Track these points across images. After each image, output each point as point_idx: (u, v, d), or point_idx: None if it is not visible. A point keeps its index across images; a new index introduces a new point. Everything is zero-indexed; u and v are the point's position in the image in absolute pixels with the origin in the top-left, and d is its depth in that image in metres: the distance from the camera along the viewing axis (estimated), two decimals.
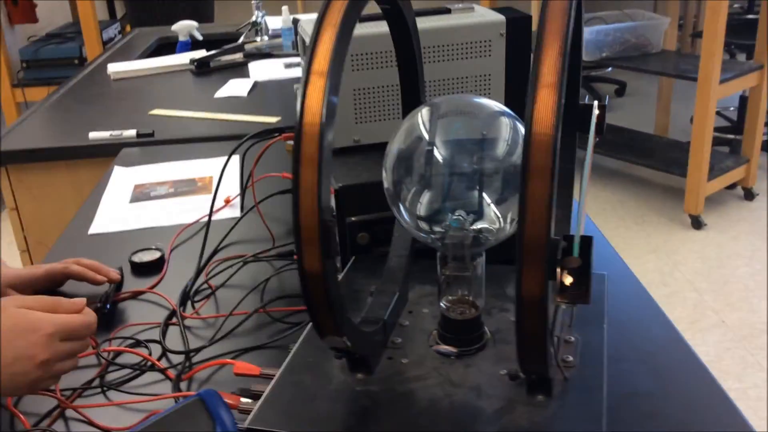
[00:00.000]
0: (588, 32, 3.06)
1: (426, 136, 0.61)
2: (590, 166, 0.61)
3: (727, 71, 2.71)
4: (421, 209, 0.63)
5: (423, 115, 0.63)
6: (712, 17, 2.54)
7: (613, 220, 2.99)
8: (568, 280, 0.46)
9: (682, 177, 2.85)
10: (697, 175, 2.75)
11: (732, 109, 3.60)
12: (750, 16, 4.36)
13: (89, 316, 0.70)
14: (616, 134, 3.41)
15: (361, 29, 0.91)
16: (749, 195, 3.02)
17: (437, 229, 0.64)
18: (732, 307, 2.34)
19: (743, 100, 3.17)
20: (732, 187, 3.04)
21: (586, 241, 0.47)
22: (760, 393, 1.95)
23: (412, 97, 0.74)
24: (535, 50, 0.47)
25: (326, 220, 0.51)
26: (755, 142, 2.93)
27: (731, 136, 3.37)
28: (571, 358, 0.65)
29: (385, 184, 0.63)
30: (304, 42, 0.97)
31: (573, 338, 0.68)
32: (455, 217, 0.62)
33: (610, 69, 4.14)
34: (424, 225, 0.64)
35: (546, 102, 0.46)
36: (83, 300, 0.72)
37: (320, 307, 0.54)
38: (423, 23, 0.93)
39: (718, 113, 3.39)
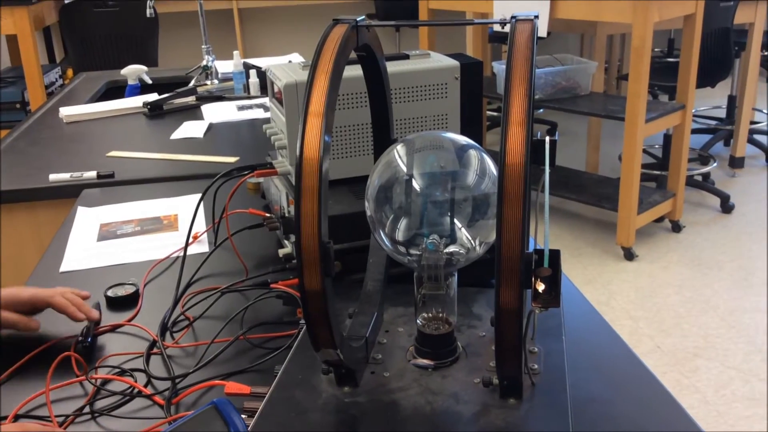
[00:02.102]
0: None
1: (403, 168, 0.69)
2: (547, 192, 0.70)
3: (651, 111, 2.89)
4: (400, 234, 0.70)
5: (399, 150, 0.70)
6: (636, 61, 2.73)
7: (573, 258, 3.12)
8: (541, 287, 0.54)
9: (613, 211, 3.01)
10: (627, 209, 2.91)
11: (657, 146, 3.82)
12: (670, 59, 4.66)
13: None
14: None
15: None
16: (677, 227, 3.20)
17: (414, 251, 0.70)
18: (666, 333, 2.47)
19: (667, 138, 3.37)
20: (660, 220, 3.22)
21: (555, 254, 0.55)
22: (695, 413, 2.07)
23: (383, 134, 0.81)
24: (504, 93, 0.55)
25: (325, 243, 0.57)
26: (680, 177, 3.12)
27: (657, 172, 3.57)
28: (536, 366, 0.72)
29: (368, 213, 0.70)
30: (273, 85, 1.04)
31: (537, 349, 0.75)
32: (430, 241, 0.69)
33: (541, 110, 4.34)
34: (402, 248, 0.70)
35: (516, 137, 0.54)
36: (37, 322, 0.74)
37: (319, 322, 0.60)
38: (400, 66, 1.02)
39: (644, 151, 3.60)
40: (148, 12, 2.28)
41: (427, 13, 3.55)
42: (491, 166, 0.69)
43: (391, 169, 0.69)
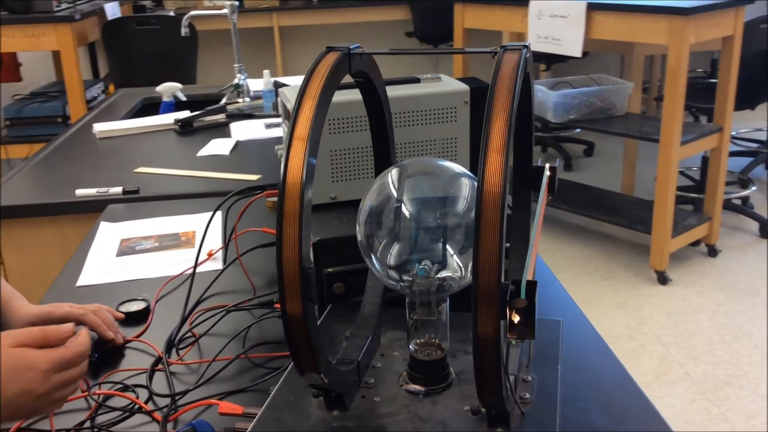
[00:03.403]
0: (555, 96, 3.20)
1: (395, 194, 0.69)
2: (541, 220, 0.69)
3: (688, 133, 2.84)
4: (391, 259, 0.70)
5: (392, 175, 0.70)
6: (672, 82, 2.69)
7: (581, 275, 3.08)
8: (516, 318, 0.53)
9: (647, 234, 2.96)
10: (661, 232, 2.86)
11: (695, 169, 3.75)
12: (712, 80, 4.57)
13: (80, 345, 0.76)
14: (583, 192, 3.53)
15: (338, 96, 0.99)
16: (712, 252, 3.13)
17: (406, 277, 0.70)
18: (697, 360, 2.41)
19: (705, 160, 3.31)
20: (696, 243, 3.15)
21: (532, 285, 0.54)
22: None
23: (383, 157, 0.82)
24: (485, 121, 0.55)
25: (306, 268, 0.58)
26: (717, 201, 3.05)
27: (694, 195, 3.50)
28: (528, 395, 0.72)
29: (359, 237, 0.70)
30: (285, 107, 1.06)
31: (530, 378, 0.75)
32: (422, 267, 0.69)
33: (578, 130, 4.30)
34: (393, 274, 0.70)
35: (494, 165, 0.54)
36: (70, 326, 0.77)
37: (301, 347, 0.61)
38: (395, 91, 1.02)
39: (681, 173, 3.54)
40: (183, 31, 2.33)
41: (461, 32, 3.56)
42: None
43: (382, 194, 0.70)
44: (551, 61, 4.35)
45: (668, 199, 2.81)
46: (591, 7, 2.89)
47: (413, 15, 5.15)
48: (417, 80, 1.05)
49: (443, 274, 0.70)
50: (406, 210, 0.69)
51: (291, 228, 0.57)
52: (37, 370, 0.71)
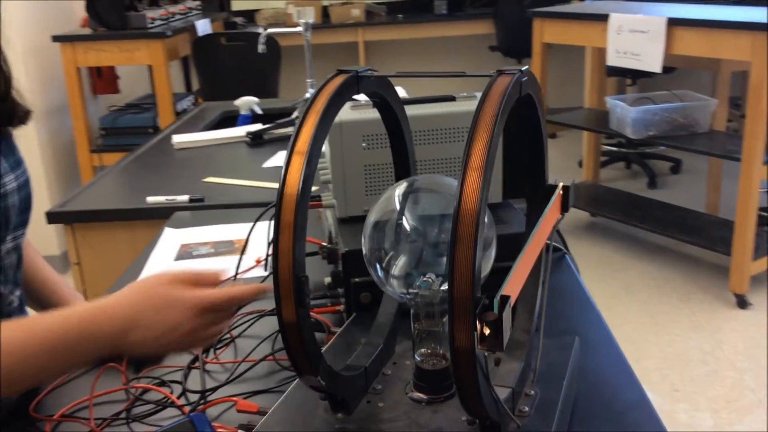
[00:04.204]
0: (635, 111, 3.14)
1: (398, 208, 0.72)
2: (541, 238, 0.71)
3: None
4: (395, 272, 0.73)
5: (399, 190, 0.74)
6: (754, 99, 2.59)
7: (657, 296, 3.00)
8: (486, 331, 0.56)
9: (728, 255, 2.85)
10: (741, 253, 2.75)
11: None
12: None
13: (230, 290, 0.84)
14: (664, 211, 3.44)
15: (373, 114, 1.03)
16: None
17: (410, 289, 0.73)
18: None
19: None
20: None
21: (504, 299, 0.56)
22: None
23: (402, 175, 0.85)
24: (468, 139, 0.58)
25: (299, 276, 0.62)
26: None
27: None
28: (527, 409, 0.73)
29: (364, 250, 0.74)
30: None
31: (533, 392, 0.76)
32: (424, 280, 0.72)
33: (662, 147, 4.18)
34: (398, 286, 0.74)
35: (473, 183, 0.56)
36: (221, 273, 0.87)
37: (296, 350, 0.65)
38: (430, 109, 1.06)
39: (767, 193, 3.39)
40: (260, 48, 2.43)
41: (540, 47, 3.54)
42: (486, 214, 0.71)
43: (387, 209, 0.73)
44: (637, 75, 4.25)
45: (749, 219, 2.70)
46: (672, 23, 2.82)
47: (497, 29, 5.15)
48: (452, 98, 1.08)
49: (446, 286, 0.72)
50: (408, 225, 0.72)
51: (287, 238, 0.62)
52: (185, 307, 0.80)
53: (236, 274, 1.12)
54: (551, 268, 1.19)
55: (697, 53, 2.83)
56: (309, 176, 0.63)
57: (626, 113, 3.19)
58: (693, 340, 2.63)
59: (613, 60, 3.15)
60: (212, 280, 0.87)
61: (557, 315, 1.04)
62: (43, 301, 1.11)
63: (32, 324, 0.80)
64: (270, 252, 1.21)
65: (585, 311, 1.07)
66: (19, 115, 0.98)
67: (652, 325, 2.82)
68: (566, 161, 4.77)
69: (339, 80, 0.70)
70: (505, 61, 5.23)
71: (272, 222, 1.19)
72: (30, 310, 1.09)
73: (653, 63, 2.93)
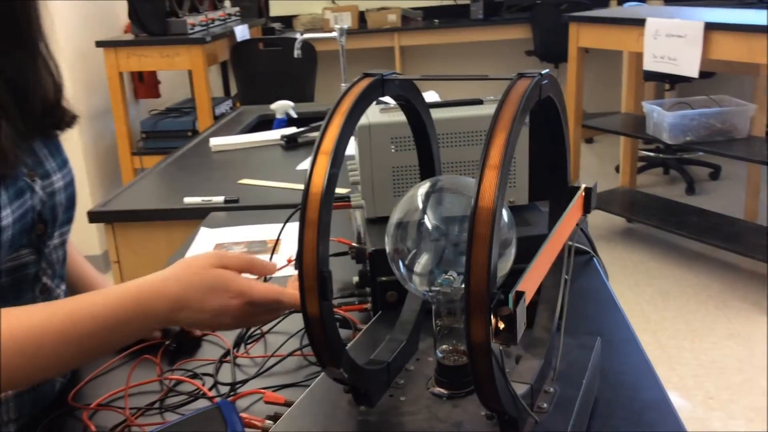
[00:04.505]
0: (671, 116, 3.11)
1: (420, 207, 0.74)
2: (560, 238, 0.72)
3: None
4: (417, 269, 0.75)
5: (422, 189, 0.76)
6: None
7: (694, 303, 2.96)
8: (501, 325, 0.57)
9: (765, 263, 2.81)
10: None
11: None
12: None
13: (277, 291, 0.88)
14: (702, 217, 3.40)
15: (402, 117, 1.06)
16: None
17: (431, 287, 0.75)
18: None
19: None
20: None
21: (518, 295, 0.58)
22: None
23: (427, 174, 0.87)
24: (486, 137, 0.60)
25: (323, 271, 0.64)
26: None
27: None
28: (545, 405, 0.75)
29: (387, 248, 0.76)
30: None
31: (552, 389, 0.77)
32: (445, 278, 0.74)
33: (701, 153, 4.13)
34: (420, 283, 0.76)
35: (490, 181, 0.58)
36: (274, 265, 0.92)
37: (319, 342, 0.67)
38: (455, 112, 1.07)
39: None
40: (296, 53, 2.48)
41: (576, 51, 3.53)
42: (505, 214, 0.73)
43: (410, 208, 0.75)
44: (675, 80, 4.21)
45: None
46: (709, 27, 2.80)
47: (534, 34, 5.14)
48: (480, 102, 1.10)
49: None
50: (430, 224, 0.74)
51: (311, 235, 0.64)
52: (229, 295, 0.84)
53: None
54: (578, 271, 1.21)
55: (735, 58, 2.80)
56: (333, 176, 0.66)
57: (663, 118, 3.16)
58: (728, 348, 2.59)
59: (650, 65, 3.13)
60: (263, 269, 0.90)
61: (582, 316, 1.05)
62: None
63: (85, 303, 0.84)
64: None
65: (610, 313, 1.08)
66: (66, 120, 1.03)
67: (688, 332, 2.79)
68: (603, 166, 4.73)
69: (364, 83, 0.72)
70: (542, 65, 5.22)
71: None
72: None
73: (690, 68, 2.90)
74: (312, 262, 0.64)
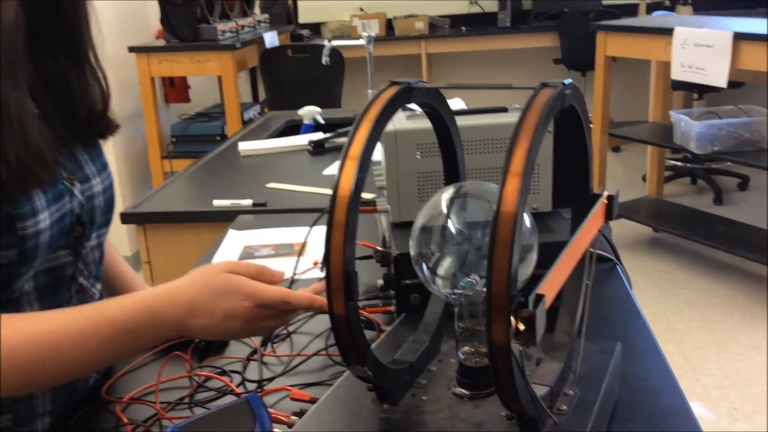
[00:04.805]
0: (698, 126, 3.10)
1: (444, 212, 0.76)
2: (581, 244, 0.74)
3: None
4: (440, 272, 0.77)
5: (446, 194, 0.78)
6: None
7: (720, 314, 2.94)
8: (521, 326, 0.59)
9: None
10: None
11: None
12: None
13: (286, 292, 0.89)
14: (729, 227, 3.37)
15: (428, 123, 1.08)
16: None
17: (454, 289, 0.78)
18: None
19: None
20: None
21: (538, 297, 0.60)
22: None
23: (452, 180, 0.89)
24: (509, 146, 0.62)
25: (349, 271, 0.67)
26: None
27: None
28: (565, 407, 0.76)
29: (411, 251, 0.78)
30: None
31: (572, 392, 0.79)
32: (468, 281, 0.76)
33: (728, 163, 4.09)
34: (443, 285, 0.78)
35: (512, 187, 0.60)
36: (282, 273, 0.93)
37: (345, 341, 0.70)
38: (480, 120, 1.10)
39: None
40: (324, 60, 2.51)
41: (603, 60, 3.53)
42: (527, 220, 0.75)
43: (434, 212, 0.77)
44: (703, 90, 4.19)
45: None
46: (738, 37, 2.78)
47: (561, 42, 5.14)
48: (504, 110, 1.11)
49: None
50: (453, 228, 0.76)
51: (338, 236, 0.67)
52: (240, 298, 0.86)
53: (294, 274, 1.18)
54: (600, 278, 1.22)
55: (764, 68, 2.78)
56: (361, 180, 0.68)
57: (690, 128, 3.15)
58: (754, 359, 2.57)
59: (677, 74, 3.12)
60: (272, 277, 0.92)
61: (603, 322, 1.06)
62: (117, 292, 1.19)
63: (102, 310, 0.86)
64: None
65: (632, 320, 1.09)
66: (110, 129, 1.07)
67: (713, 342, 2.78)
68: (630, 175, 4.71)
69: (391, 91, 0.75)
70: (569, 74, 5.22)
71: None
72: None
73: (719, 77, 2.89)
74: (339, 263, 0.67)
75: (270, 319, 0.90)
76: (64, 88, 0.99)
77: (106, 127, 1.06)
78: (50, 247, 0.93)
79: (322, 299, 0.94)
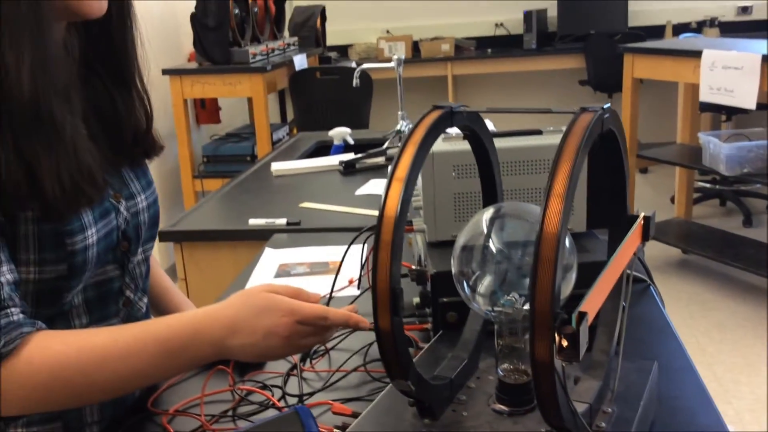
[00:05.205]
0: (728, 148, 3.10)
1: (485, 231, 0.79)
2: (621, 264, 0.76)
3: None
4: (481, 290, 0.79)
5: (486, 215, 0.80)
6: None
7: (750, 337, 2.92)
8: (564, 343, 0.61)
9: None
10: None
11: None
12: None
13: (323, 309, 0.92)
14: (758, 249, 3.35)
15: (465, 146, 1.11)
16: None
17: (494, 307, 0.80)
18: None
19: None
20: None
21: (581, 315, 0.62)
22: None
23: (490, 202, 0.92)
24: (551, 169, 0.64)
25: (395, 288, 0.69)
26: None
27: None
28: (603, 425, 0.78)
29: (453, 270, 0.81)
30: None
31: (610, 410, 0.80)
32: (507, 299, 0.78)
33: (758, 185, 4.07)
34: (483, 303, 0.80)
35: (555, 208, 0.63)
36: (318, 295, 0.96)
37: (390, 355, 0.72)
38: (518, 142, 1.12)
39: None
40: (355, 82, 2.55)
41: (630, 82, 3.54)
42: (567, 240, 0.77)
43: (475, 232, 0.80)
44: (731, 112, 4.17)
45: None
46: (766, 59, 2.78)
47: (587, 64, 5.15)
48: (539, 132, 1.14)
49: (529, 305, 0.78)
50: (494, 247, 0.78)
51: (385, 255, 0.69)
52: (280, 314, 0.88)
53: (331, 291, 1.20)
54: (634, 299, 1.23)
55: None
56: (406, 201, 0.71)
57: (719, 149, 3.14)
58: None
59: (706, 96, 3.12)
60: (309, 298, 0.95)
61: (638, 342, 1.07)
62: (161, 308, 1.23)
63: (148, 328, 0.90)
64: (363, 273, 1.30)
65: (666, 340, 1.10)
66: (155, 149, 1.11)
67: (745, 365, 2.75)
68: (658, 197, 4.69)
69: (435, 115, 0.77)
70: (595, 96, 5.22)
71: (365, 245, 1.27)
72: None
73: (747, 100, 2.89)
74: (385, 280, 0.69)
75: (309, 336, 0.92)
76: (111, 112, 1.03)
77: (151, 147, 1.10)
78: (98, 262, 0.97)
79: (358, 317, 0.97)
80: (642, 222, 0.84)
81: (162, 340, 0.87)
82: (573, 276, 0.79)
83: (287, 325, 0.89)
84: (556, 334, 0.61)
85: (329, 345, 1.13)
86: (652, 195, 4.79)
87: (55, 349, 0.83)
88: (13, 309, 0.83)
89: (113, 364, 0.85)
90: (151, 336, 0.88)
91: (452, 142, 1.14)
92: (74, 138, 0.91)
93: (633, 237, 0.82)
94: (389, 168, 0.73)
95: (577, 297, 0.69)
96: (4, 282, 0.84)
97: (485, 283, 0.80)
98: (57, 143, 0.88)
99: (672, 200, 4.25)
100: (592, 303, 0.67)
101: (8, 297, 0.83)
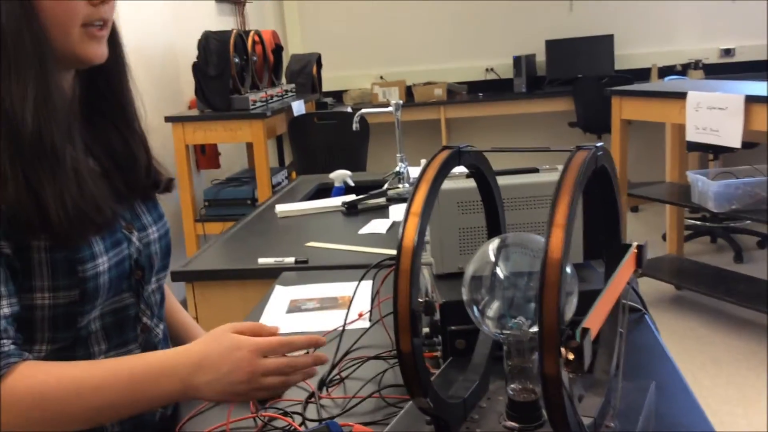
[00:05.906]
0: (716, 185, 3.19)
1: (492, 260, 0.86)
2: (615, 290, 0.83)
3: None
4: (490, 314, 0.87)
5: (493, 245, 0.88)
6: None
7: (745, 370, 2.98)
8: (570, 356, 0.68)
9: None
10: None
11: None
12: None
13: (287, 338, 0.99)
14: (750, 284, 3.42)
15: (468, 183, 1.19)
16: None
17: (503, 330, 0.87)
18: None
19: None
20: None
21: (584, 331, 0.69)
22: None
23: (495, 233, 0.99)
24: (552, 202, 0.72)
25: (414, 311, 0.76)
26: None
27: None
28: None
29: (464, 297, 0.88)
30: None
31: (612, 425, 0.87)
32: (514, 322, 0.85)
33: (748, 222, 4.17)
34: (492, 326, 0.87)
35: (557, 237, 0.70)
36: (277, 328, 1.03)
37: (410, 375, 0.79)
38: (515, 179, 1.20)
39: None
40: (354, 126, 2.65)
41: (619, 123, 3.65)
42: (568, 267, 0.84)
43: (483, 261, 0.87)
44: (718, 150, 4.29)
45: None
46: (750, 100, 2.90)
47: (576, 106, 5.29)
48: (536, 170, 1.22)
49: (534, 328, 0.85)
50: (501, 274, 0.86)
51: (404, 282, 0.77)
52: (245, 351, 0.95)
53: (344, 324, 1.27)
54: (631, 326, 1.30)
55: None
56: (422, 233, 0.78)
57: (708, 187, 3.24)
58: None
59: (692, 136, 3.23)
60: (269, 331, 1.03)
61: (635, 365, 1.14)
62: (177, 338, 1.29)
63: (125, 361, 0.97)
64: (372, 306, 1.36)
65: (662, 364, 1.17)
66: (163, 182, 1.20)
67: (740, 399, 2.80)
68: (649, 234, 4.78)
69: (444, 154, 0.86)
70: (585, 136, 5.35)
71: (374, 280, 1.34)
72: None
73: (732, 139, 3.00)
74: (405, 305, 0.77)
75: (271, 374, 0.97)
76: (122, 150, 1.12)
77: (158, 181, 1.19)
78: (111, 289, 1.04)
79: (319, 336, 1.07)
80: (636, 251, 0.92)
81: (135, 373, 0.94)
82: (574, 300, 0.86)
83: (250, 360, 0.95)
84: (562, 348, 0.68)
85: (343, 374, 1.19)
86: (643, 232, 4.88)
87: (38, 379, 0.90)
88: (5, 341, 0.90)
89: (87, 395, 0.91)
90: (126, 369, 0.94)
91: (456, 180, 1.22)
92: (75, 167, 0.99)
93: (628, 263, 0.90)
94: (405, 204, 0.81)
95: (577, 322, 0.76)
96: (2, 315, 0.91)
97: (494, 308, 0.87)
98: (60, 172, 0.96)
99: (663, 237, 4.34)
100: (593, 321, 0.75)
101: (3, 329, 0.91)
